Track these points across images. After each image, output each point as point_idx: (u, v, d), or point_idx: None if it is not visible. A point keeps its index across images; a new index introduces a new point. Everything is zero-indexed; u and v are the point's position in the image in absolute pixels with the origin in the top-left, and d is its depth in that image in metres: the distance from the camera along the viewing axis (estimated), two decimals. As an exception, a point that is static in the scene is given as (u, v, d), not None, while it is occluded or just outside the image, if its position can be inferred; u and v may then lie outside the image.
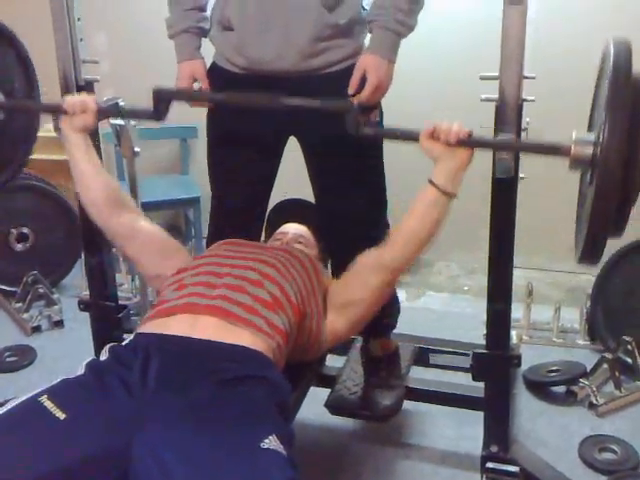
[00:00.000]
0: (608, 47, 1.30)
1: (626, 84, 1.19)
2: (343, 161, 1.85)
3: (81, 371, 1.36)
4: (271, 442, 1.22)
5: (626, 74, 1.20)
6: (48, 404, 1.25)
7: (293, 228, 1.95)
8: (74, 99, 1.67)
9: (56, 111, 1.66)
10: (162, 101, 1.61)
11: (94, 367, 1.36)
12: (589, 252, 1.33)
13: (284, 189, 2.08)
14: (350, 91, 1.75)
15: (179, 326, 1.42)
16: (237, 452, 1.19)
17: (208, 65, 1.91)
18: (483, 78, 1.56)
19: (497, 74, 1.54)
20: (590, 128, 1.48)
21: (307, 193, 1.99)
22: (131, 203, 1.73)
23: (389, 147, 1.95)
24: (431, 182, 1.44)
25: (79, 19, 1.84)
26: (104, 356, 1.40)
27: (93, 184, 1.67)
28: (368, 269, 1.61)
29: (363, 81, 1.74)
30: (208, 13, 1.90)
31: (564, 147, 1.31)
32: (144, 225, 1.71)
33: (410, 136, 1.48)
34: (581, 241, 1.34)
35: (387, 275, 1.60)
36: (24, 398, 1.29)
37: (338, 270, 2.01)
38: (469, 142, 1.40)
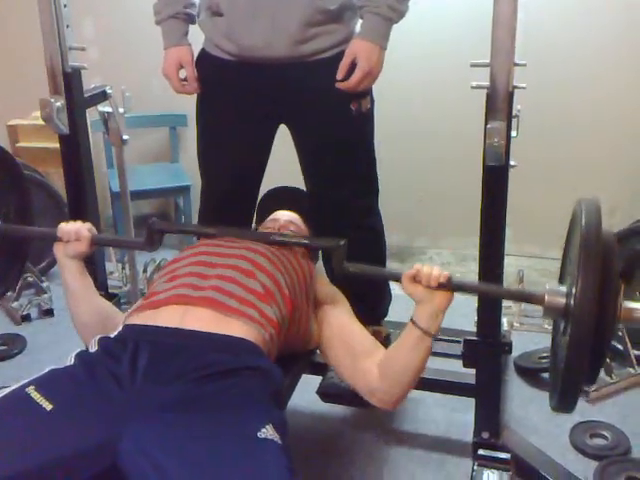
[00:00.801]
0: (579, 208, 1.35)
1: (596, 247, 1.25)
2: (334, 149, 1.84)
3: (70, 362, 1.35)
4: (268, 431, 1.22)
5: (596, 237, 1.26)
6: (35, 395, 1.24)
7: (284, 215, 1.94)
8: (68, 227, 1.63)
9: (50, 238, 1.64)
10: (155, 233, 1.63)
11: (83, 358, 1.35)
12: (564, 403, 1.39)
13: (275, 177, 2.08)
14: (339, 76, 1.74)
15: (169, 317, 1.41)
16: (235, 442, 1.19)
17: (196, 52, 1.89)
18: (474, 65, 1.55)
19: (488, 61, 1.53)
20: (562, 276, 1.53)
21: (299, 181, 1.98)
22: (115, 317, 1.66)
23: (381, 139, 1.95)
24: (414, 324, 1.46)
25: (65, 5, 1.82)
26: (93, 348, 1.39)
27: (85, 311, 1.63)
28: (363, 386, 1.57)
29: (353, 67, 1.72)
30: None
31: (538, 296, 1.38)
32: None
33: (393, 278, 1.53)
34: (556, 391, 1.39)
35: (375, 401, 1.58)
36: (11, 389, 1.28)
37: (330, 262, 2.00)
38: (449, 286, 1.44)
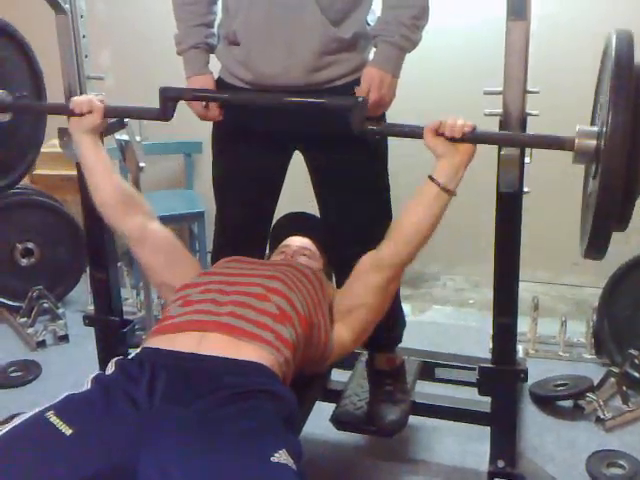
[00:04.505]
0: (610, 39, 1.29)
1: (629, 75, 1.19)
2: (347, 176, 1.85)
3: (87, 386, 1.36)
4: (281, 456, 1.21)
5: (628, 65, 1.20)
6: (55, 420, 1.24)
7: (298, 241, 1.95)
8: (81, 99, 1.66)
9: (63, 112, 1.67)
10: (168, 100, 1.62)
11: (100, 381, 1.36)
12: (595, 245, 1.33)
13: (289, 202, 2.09)
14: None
15: (186, 342, 1.42)
16: (248, 466, 1.19)
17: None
18: (487, 93, 1.56)
19: (501, 89, 1.54)
20: (593, 123, 1.47)
21: (313, 206, 1.99)
22: (144, 205, 1.70)
23: (395, 161, 1.96)
24: (432, 179, 1.43)
25: (84, 36, 1.86)
26: (110, 370, 1.40)
27: (103, 184, 1.66)
28: (367, 270, 1.62)
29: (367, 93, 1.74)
30: (215, 30, 1.91)
31: (568, 140, 1.31)
32: (154, 229, 1.71)
33: (415, 133, 1.48)
34: (586, 235, 1.33)
35: (387, 272, 1.60)
36: (30, 414, 1.28)
37: (343, 284, 2.00)
38: (473, 136, 1.40)
